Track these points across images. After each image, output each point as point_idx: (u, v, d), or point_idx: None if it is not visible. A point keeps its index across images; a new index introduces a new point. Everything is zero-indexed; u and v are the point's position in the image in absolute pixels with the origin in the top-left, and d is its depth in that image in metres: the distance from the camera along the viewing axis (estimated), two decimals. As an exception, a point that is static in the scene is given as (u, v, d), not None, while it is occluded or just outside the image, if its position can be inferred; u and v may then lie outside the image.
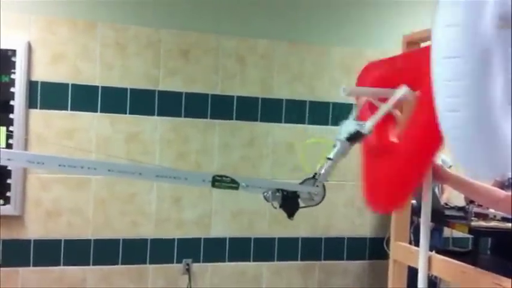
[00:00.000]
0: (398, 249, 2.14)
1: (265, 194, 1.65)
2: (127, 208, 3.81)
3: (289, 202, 1.65)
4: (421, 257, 1.85)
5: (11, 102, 3.54)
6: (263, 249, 4.10)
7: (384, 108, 1.67)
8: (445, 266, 1.83)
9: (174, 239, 3.92)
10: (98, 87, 3.74)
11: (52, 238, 3.69)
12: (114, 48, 3.77)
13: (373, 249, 4.30)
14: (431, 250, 1.89)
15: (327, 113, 4.15)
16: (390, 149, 1.73)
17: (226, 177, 1.59)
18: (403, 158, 1.68)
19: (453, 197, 4.05)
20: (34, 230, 3.66)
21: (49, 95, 3.64)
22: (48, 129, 3.63)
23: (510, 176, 3.66)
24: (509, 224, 3.52)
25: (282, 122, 4.09)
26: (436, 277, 3.51)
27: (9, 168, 3.55)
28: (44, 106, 3.64)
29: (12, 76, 3.53)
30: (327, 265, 4.25)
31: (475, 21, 1.17)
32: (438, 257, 1.87)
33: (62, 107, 3.67)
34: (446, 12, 1.22)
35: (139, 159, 3.54)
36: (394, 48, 2.28)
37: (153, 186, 3.86)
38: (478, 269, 1.74)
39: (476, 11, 1.17)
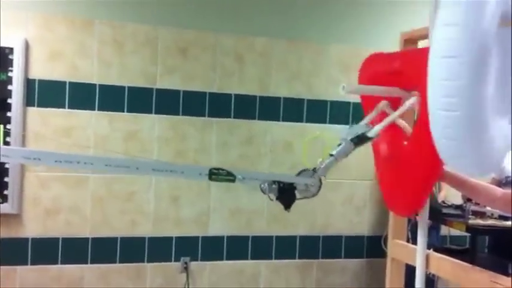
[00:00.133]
0: (396, 248, 2.14)
1: (262, 186, 1.65)
2: (125, 206, 3.81)
3: (286, 194, 1.65)
4: (419, 255, 1.86)
5: (9, 100, 3.53)
6: (261, 248, 4.10)
7: (392, 116, 1.68)
8: (442, 264, 1.84)
9: (172, 238, 3.92)
10: (95, 85, 3.73)
11: (50, 236, 3.68)
12: (111, 45, 3.76)
13: (371, 247, 4.30)
14: (428, 248, 1.90)
15: (324, 111, 4.15)
16: (402, 154, 1.73)
17: (223, 170, 1.60)
18: (415, 163, 1.68)
19: (451, 195, 4.06)
20: (32, 228, 3.65)
21: (46, 93, 3.64)
22: (45, 127, 3.63)
23: (507, 174, 3.68)
24: (507, 222, 3.53)
25: (280, 120, 4.09)
26: (433, 275, 3.51)
27: (7, 166, 3.54)
28: (42, 104, 3.63)
29: (10, 74, 3.52)
30: (325, 263, 4.25)
31: (475, 21, 1.17)
32: (436, 255, 1.87)
33: (60, 105, 3.67)
34: (447, 11, 1.22)
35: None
36: (391, 46, 2.28)
37: (151, 184, 3.86)
38: (475, 267, 1.75)
39: (477, 11, 1.17)
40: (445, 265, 1.83)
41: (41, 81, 3.63)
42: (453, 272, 1.79)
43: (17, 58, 3.53)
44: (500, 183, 3.54)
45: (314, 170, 1.68)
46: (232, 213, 4.03)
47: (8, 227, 3.57)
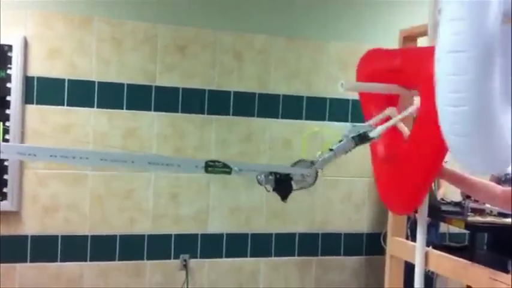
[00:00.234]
0: (395, 245, 2.15)
1: (259, 177, 1.66)
2: (124, 204, 3.81)
3: (283, 185, 1.65)
4: (418, 252, 1.86)
5: (8, 98, 3.52)
6: (260, 245, 4.10)
7: (394, 120, 1.69)
8: (441, 261, 1.84)
9: (171, 235, 3.92)
10: (94, 82, 3.72)
11: (49, 234, 3.68)
12: (110, 43, 3.75)
13: (370, 244, 4.30)
14: (427, 245, 1.90)
15: (323, 109, 4.15)
16: (400, 153, 1.73)
17: (219, 162, 1.60)
18: (413, 160, 1.69)
19: (449, 192, 4.06)
20: (31, 225, 3.65)
21: (45, 91, 3.63)
22: (44, 125, 3.62)
23: (507, 172, 3.67)
24: (506, 219, 3.53)
25: (279, 118, 4.09)
26: (432, 272, 3.51)
27: (6, 163, 3.54)
28: (41, 101, 3.63)
29: (9, 71, 3.51)
30: (324, 261, 4.25)
31: (482, 15, 1.16)
32: (435, 252, 1.88)
33: (59, 102, 3.66)
34: (452, 6, 1.21)
35: (136, 155, 3.53)
36: (391, 43, 2.28)
37: (150, 182, 3.86)
38: (474, 264, 1.75)
39: (483, 5, 1.16)
40: (444, 262, 1.83)
41: (39, 79, 3.62)
42: (452, 269, 1.79)
43: (16, 56, 3.52)
44: (499, 181, 3.54)
45: (312, 162, 1.69)
46: (231, 211, 4.04)
47: (7, 224, 3.57)
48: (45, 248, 3.67)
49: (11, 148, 1.57)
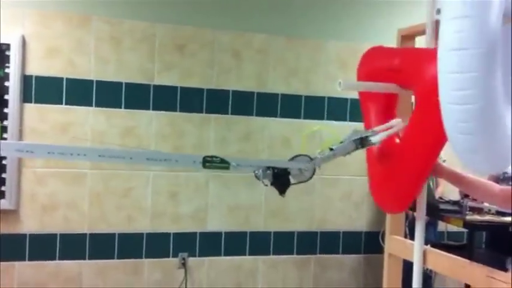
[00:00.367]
0: (394, 243, 2.15)
1: (256, 172, 1.66)
2: (123, 202, 3.81)
3: (280, 179, 1.66)
4: (416, 250, 1.86)
5: (6, 97, 3.52)
6: (259, 243, 4.11)
7: (397, 127, 1.70)
8: (439, 260, 1.84)
9: (170, 233, 3.92)
10: (92, 81, 3.72)
11: (48, 232, 3.68)
12: (109, 42, 3.75)
13: (369, 243, 4.31)
14: (426, 244, 1.90)
15: (322, 108, 4.16)
16: (394, 151, 1.74)
17: (216, 157, 1.61)
18: (406, 160, 1.69)
19: (448, 191, 4.06)
20: (30, 224, 3.65)
21: (44, 89, 3.63)
22: (42, 124, 3.62)
23: (505, 170, 3.68)
24: (504, 218, 3.53)
25: (277, 117, 4.09)
26: (430, 271, 3.52)
27: (4, 162, 3.54)
28: (39, 100, 3.62)
29: (7, 70, 3.51)
30: (322, 259, 4.26)
31: (485, 12, 1.16)
32: (433, 251, 1.88)
33: (57, 101, 3.66)
34: (454, 4, 1.21)
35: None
36: (389, 42, 2.28)
37: (149, 180, 3.86)
38: (472, 263, 1.75)
39: (486, 2, 1.16)
40: (442, 261, 1.83)
41: (38, 78, 3.62)
42: (450, 267, 1.79)
43: (14, 54, 3.52)
44: (497, 179, 3.55)
45: (310, 158, 1.70)
46: (230, 209, 4.04)
47: (5, 223, 3.56)
48: (43, 247, 3.67)
49: (9, 145, 1.58)
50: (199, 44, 3.92)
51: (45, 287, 3.67)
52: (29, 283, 3.64)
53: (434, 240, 4.00)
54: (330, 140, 1.73)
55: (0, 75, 3.50)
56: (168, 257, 3.92)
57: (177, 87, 3.88)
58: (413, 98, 1.79)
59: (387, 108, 1.87)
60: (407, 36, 2.15)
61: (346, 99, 4.12)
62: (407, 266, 2.04)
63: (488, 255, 3.95)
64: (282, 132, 4.10)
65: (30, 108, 3.61)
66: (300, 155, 1.71)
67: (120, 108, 3.78)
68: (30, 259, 3.65)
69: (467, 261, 1.78)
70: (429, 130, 1.54)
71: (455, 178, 1.83)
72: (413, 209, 1.90)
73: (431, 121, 1.44)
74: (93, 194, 3.75)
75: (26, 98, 3.59)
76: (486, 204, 3.55)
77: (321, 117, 4.14)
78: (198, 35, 3.91)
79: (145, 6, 3.80)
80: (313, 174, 1.71)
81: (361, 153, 2.18)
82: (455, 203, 3.82)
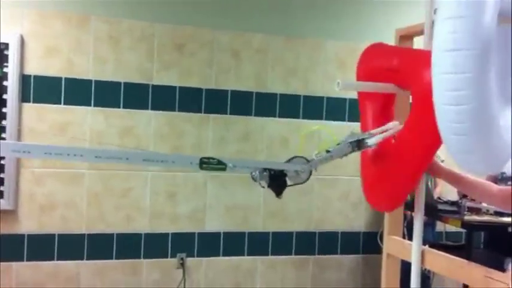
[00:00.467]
0: (392, 243, 2.15)
1: (253, 174, 1.66)
2: (121, 202, 3.81)
3: (277, 181, 1.66)
4: (414, 251, 1.86)
5: (4, 96, 3.52)
6: (257, 244, 4.11)
7: (394, 129, 1.70)
8: (438, 260, 1.84)
9: (168, 234, 3.92)
10: (91, 81, 3.72)
11: (46, 232, 3.68)
12: (107, 41, 3.75)
13: (367, 243, 4.31)
14: (424, 244, 1.90)
15: (321, 108, 4.16)
16: (388, 151, 1.74)
17: (213, 159, 1.61)
18: (400, 160, 1.69)
19: (446, 191, 4.07)
20: (28, 224, 3.65)
21: (42, 89, 3.63)
22: (41, 124, 3.62)
23: (502, 171, 3.68)
24: (502, 218, 3.54)
25: (276, 117, 4.09)
26: (429, 271, 3.53)
27: (2, 162, 3.53)
28: (37, 100, 3.62)
29: (5, 70, 3.51)
30: (321, 259, 4.26)
31: (479, 12, 1.16)
32: (431, 251, 1.88)
33: (55, 101, 3.66)
34: (449, 5, 1.20)
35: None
36: (387, 42, 2.27)
37: (148, 180, 3.86)
38: (471, 263, 1.75)
39: (480, 3, 1.16)
40: (440, 261, 1.83)
41: (36, 77, 3.61)
42: (449, 268, 1.79)
43: (13, 54, 3.52)
44: (496, 180, 3.55)
45: (307, 160, 1.70)
46: (228, 210, 4.04)
47: (4, 223, 3.56)
48: (41, 247, 3.67)
49: (6, 146, 1.57)
50: (198, 43, 3.92)
51: (43, 287, 3.66)
52: (27, 283, 3.64)
53: (433, 240, 4.01)
54: (328, 141, 1.73)
55: (-2, 75, 3.50)
56: (167, 257, 3.91)
57: (175, 87, 3.88)
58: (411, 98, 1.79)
59: (385, 106, 1.87)
60: (405, 36, 2.15)
61: (344, 99, 4.12)
62: (406, 266, 2.04)
63: (487, 256, 3.95)
64: (280, 132, 4.10)
65: (29, 107, 3.61)
66: (296, 157, 1.71)
67: (119, 108, 3.78)
68: (28, 259, 3.64)
69: (465, 261, 1.78)
70: (425, 132, 1.55)
71: (453, 178, 1.83)
72: (412, 209, 1.90)
73: (427, 123, 1.44)
74: (91, 194, 3.75)
75: (24, 97, 3.59)
76: (484, 204, 3.56)
77: (320, 117, 4.14)
78: (197, 35, 3.91)
79: (144, 5, 3.80)
80: (310, 176, 1.71)
81: (358, 154, 2.18)
82: (453, 203, 3.83)
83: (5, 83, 3.51)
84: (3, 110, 3.52)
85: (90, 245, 3.76)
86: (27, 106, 3.60)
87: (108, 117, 3.76)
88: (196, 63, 3.92)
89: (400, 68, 1.73)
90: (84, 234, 3.75)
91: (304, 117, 4.13)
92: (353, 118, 4.06)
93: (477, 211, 3.63)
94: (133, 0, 3.78)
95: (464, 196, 3.64)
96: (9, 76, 3.51)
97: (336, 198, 4.24)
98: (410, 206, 2.20)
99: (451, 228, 4.08)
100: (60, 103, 3.66)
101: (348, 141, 1.69)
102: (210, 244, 4.01)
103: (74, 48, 3.68)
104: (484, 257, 3.83)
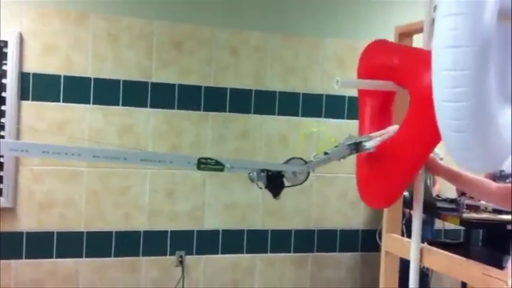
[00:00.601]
0: (391, 241, 2.15)
1: (251, 174, 1.66)
2: (120, 200, 3.81)
3: (275, 182, 1.66)
4: (413, 248, 1.86)
5: (3, 94, 3.51)
6: (256, 242, 4.11)
7: (391, 131, 1.70)
8: (436, 258, 1.84)
9: (167, 231, 3.92)
10: (90, 78, 3.72)
11: (45, 230, 3.68)
12: (106, 39, 3.74)
13: (366, 241, 4.31)
14: (423, 242, 1.91)
15: (320, 105, 4.16)
16: (384, 149, 1.74)
17: (211, 159, 1.60)
18: (396, 158, 1.70)
19: (445, 189, 4.08)
20: (26, 222, 3.64)
21: (41, 87, 3.62)
22: (40, 121, 3.61)
23: (500, 168, 3.69)
24: (501, 216, 3.54)
25: (275, 114, 4.09)
26: (427, 268, 3.53)
27: (1, 160, 3.53)
28: (36, 98, 3.62)
29: (4, 67, 3.50)
30: (319, 257, 4.26)
31: (479, 9, 1.16)
32: (430, 249, 1.88)
33: (54, 98, 3.65)
34: (449, 1, 1.20)
35: (132, 152, 3.52)
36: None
37: (147, 178, 3.86)
38: (469, 261, 1.75)
39: (480, 0, 1.16)
40: (439, 259, 1.83)
41: (35, 75, 3.61)
42: (447, 265, 1.79)
43: (11, 52, 3.51)
44: (494, 177, 3.56)
45: (305, 161, 1.70)
46: (227, 208, 4.04)
47: (2, 220, 3.56)
48: (40, 245, 3.67)
49: (4, 144, 1.57)
50: (197, 41, 3.92)
51: (42, 285, 3.67)
52: (26, 281, 3.64)
53: (431, 238, 4.01)
54: (327, 141, 1.73)
55: (-3, 73, 3.50)
56: (166, 255, 3.92)
57: (174, 84, 3.88)
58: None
59: (384, 104, 1.88)
60: (405, 34, 2.15)
61: (343, 97, 4.12)
62: (404, 264, 2.05)
63: (485, 253, 3.96)
64: (279, 130, 4.10)
65: (28, 105, 3.60)
66: (294, 158, 1.71)
67: (118, 105, 3.77)
68: (27, 257, 3.64)
69: (463, 259, 1.78)
70: (421, 130, 1.55)
71: (452, 176, 1.83)
72: (410, 207, 1.90)
73: (424, 122, 1.44)
74: (90, 192, 3.75)
75: (23, 95, 3.59)
76: (483, 202, 3.56)
77: (319, 115, 4.14)
78: (195, 33, 3.91)
79: (143, 3, 3.80)
80: (307, 177, 1.71)
81: (356, 153, 2.18)
82: (452, 201, 3.84)
83: (3, 80, 3.51)
84: (2, 108, 3.51)
85: (89, 242, 3.76)
86: (26, 104, 3.60)
87: (107, 115, 3.75)
88: (195, 61, 3.92)
89: (399, 66, 1.73)
90: (83, 232, 3.75)
91: (303, 115, 4.13)
92: (352, 116, 4.06)
93: (476, 209, 3.64)
94: (132, -2, 3.78)
95: (463, 194, 3.65)
96: (8, 74, 3.51)
97: (334, 196, 4.25)
98: (409, 204, 2.20)
99: (449, 225, 4.09)
100: (59, 101, 3.66)
101: (346, 143, 1.69)
102: (209, 242, 4.01)
103: (72, 45, 3.68)
104: (483, 255, 3.83)
